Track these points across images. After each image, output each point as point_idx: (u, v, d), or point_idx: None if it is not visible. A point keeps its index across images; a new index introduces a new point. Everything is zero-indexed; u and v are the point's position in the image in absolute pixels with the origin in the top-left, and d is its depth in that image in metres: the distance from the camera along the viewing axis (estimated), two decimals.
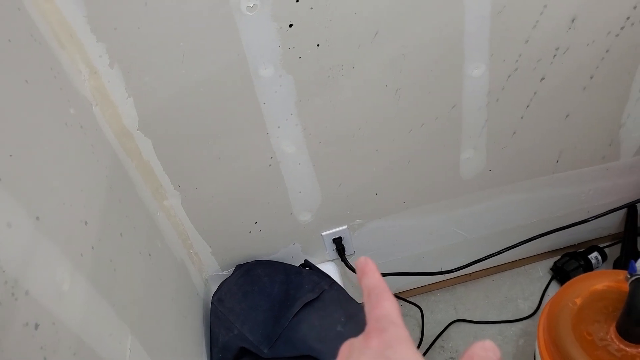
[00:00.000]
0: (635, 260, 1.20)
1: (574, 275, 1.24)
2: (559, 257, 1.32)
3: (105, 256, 0.66)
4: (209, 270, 1.11)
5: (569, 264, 1.26)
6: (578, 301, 0.90)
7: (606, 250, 1.31)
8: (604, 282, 0.92)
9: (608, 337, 0.85)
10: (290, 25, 0.77)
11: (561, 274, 1.27)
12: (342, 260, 1.13)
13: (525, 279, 1.32)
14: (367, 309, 0.34)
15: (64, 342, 0.51)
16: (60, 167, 0.61)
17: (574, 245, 1.36)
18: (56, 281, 0.53)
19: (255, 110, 0.86)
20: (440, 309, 1.30)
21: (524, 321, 1.23)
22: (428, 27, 0.82)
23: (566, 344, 0.86)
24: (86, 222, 0.63)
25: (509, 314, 1.25)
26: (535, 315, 1.24)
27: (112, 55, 0.74)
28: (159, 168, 0.91)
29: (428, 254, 1.24)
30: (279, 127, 0.89)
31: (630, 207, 1.28)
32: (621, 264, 1.20)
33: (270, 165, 0.94)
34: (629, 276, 0.82)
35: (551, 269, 1.32)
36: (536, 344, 0.97)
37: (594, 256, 1.27)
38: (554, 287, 1.29)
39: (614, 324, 0.85)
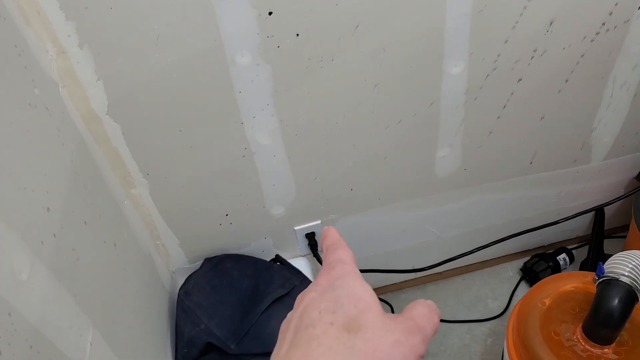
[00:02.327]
0: (603, 263, 1.23)
1: (543, 276, 1.26)
2: (528, 257, 1.34)
3: (67, 245, 0.63)
4: (176, 262, 1.08)
5: (538, 265, 1.28)
6: (547, 301, 0.90)
7: (574, 252, 1.34)
8: (572, 283, 0.93)
9: (574, 337, 0.86)
10: (270, 13, 0.75)
11: (530, 274, 1.29)
12: (314, 256, 1.12)
13: (495, 279, 1.33)
14: (323, 260, 0.34)
15: (19, 333, 0.48)
16: (22, 149, 0.57)
17: (543, 246, 1.38)
18: (13, 269, 0.50)
19: (231, 99, 0.84)
20: None
21: (492, 321, 1.25)
22: (409, 22, 0.81)
23: (534, 343, 0.86)
24: (48, 209, 0.60)
25: (478, 314, 1.27)
26: (504, 315, 1.25)
27: (82, 35, 0.71)
28: (127, 155, 0.88)
29: (400, 251, 1.23)
30: (254, 117, 0.87)
31: (598, 210, 1.31)
32: (588, 265, 1.22)
33: (244, 156, 0.92)
34: (596, 278, 0.83)
35: (521, 269, 1.34)
36: (505, 343, 0.97)
37: (562, 257, 1.29)
38: (523, 287, 1.31)
39: (580, 325, 0.86)
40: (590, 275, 0.94)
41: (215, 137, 0.88)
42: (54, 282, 0.58)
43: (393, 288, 1.34)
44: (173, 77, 0.79)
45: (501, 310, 1.26)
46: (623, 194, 1.26)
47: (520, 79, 0.93)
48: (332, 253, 0.34)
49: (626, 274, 0.79)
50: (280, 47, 0.79)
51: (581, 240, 1.39)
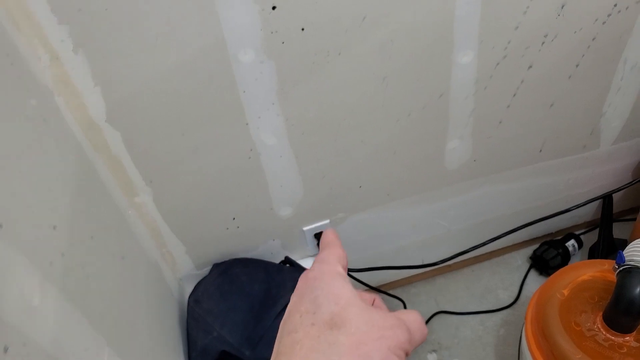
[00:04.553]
0: (614, 250, 1.22)
1: (553, 264, 1.25)
2: (536, 245, 1.33)
3: (76, 263, 0.60)
4: (183, 270, 1.05)
5: (547, 253, 1.26)
6: (565, 292, 0.89)
7: (582, 237, 1.33)
8: (589, 272, 0.92)
9: (595, 327, 0.84)
10: (274, 8, 0.72)
11: (540, 262, 1.28)
12: None
13: (504, 269, 1.32)
14: None
15: None
16: (22, 166, 0.54)
17: (551, 233, 1.37)
18: (25, 296, 0.47)
19: (234, 99, 0.80)
20: (421, 301, 1.28)
21: (504, 311, 1.23)
22: (418, 11, 0.78)
23: (555, 335, 0.85)
24: (55, 227, 0.56)
25: (489, 304, 1.25)
26: (516, 305, 1.24)
27: (75, 39, 0.67)
28: (129, 162, 0.84)
29: (410, 245, 1.21)
30: (259, 117, 0.84)
31: (607, 195, 1.29)
32: (599, 250, 1.21)
33: (249, 157, 0.89)
34: (616, 267, 0.81)
35: (530, 257, 1.32)
36: (523, 334, 0.96)
37: (571, 244, 1.28)
38: (533, 276, 1.29)
39: (600, 314, 0.85)
40: (606, 263, 0.93)
41: (220, 139, 0.85)
42: (66, 304, 0.55)
43: (402, 283, 1.32)
44: (174, 78, 0.75)
45: (512, 300, 1.25)
46: (631, 178, 1.25)
47: (531, 66, 0.91)
48: (317, 255, 0.34)
49: None
50: (285, 43, 0.76)
51: (589, 225, 1.38)
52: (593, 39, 0.90)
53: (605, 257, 1.21)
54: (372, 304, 0.34)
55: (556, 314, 0.86)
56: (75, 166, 0.69)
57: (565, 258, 1.26)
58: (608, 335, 0.82)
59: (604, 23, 0.88)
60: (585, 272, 0.91)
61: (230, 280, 1.00)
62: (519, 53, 0.88)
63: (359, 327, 0.27)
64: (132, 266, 0.81)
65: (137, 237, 0.88)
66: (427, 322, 1.24)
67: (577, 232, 1.34)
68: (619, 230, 1.29)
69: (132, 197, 0.89)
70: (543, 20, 0.84)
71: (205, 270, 1.05)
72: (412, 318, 0.30)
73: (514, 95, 0.95)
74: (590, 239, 1.32)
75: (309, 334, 0.28)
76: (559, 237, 1.32)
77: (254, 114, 0.83)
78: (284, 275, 1.01)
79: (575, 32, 0.88)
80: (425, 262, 1.25)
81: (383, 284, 1.30)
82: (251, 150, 0.88)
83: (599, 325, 0.84)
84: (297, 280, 0.85)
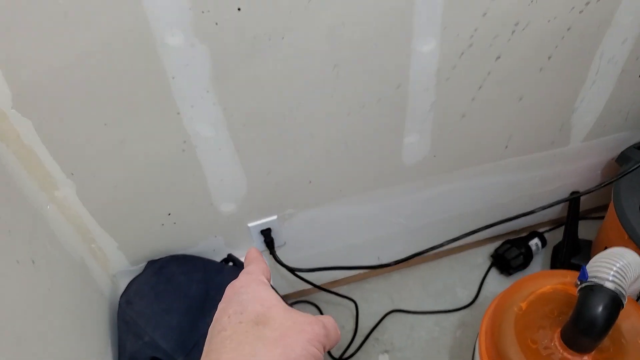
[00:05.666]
0: (578, 251, 1.18)
1: (515, 264, 1.20)
2: (498, 243, 1.27)
3: None
4: (116, 266, 0.96)
5: (509, 252, 1.21)
6: (524, 305, 0.83)
7: (546, 235, 1.27)
8: (551, 283, 0.86)
9: (552, 344, 0.79)
10: None
11: (501, 261, 1.22)
12: (270, 254, 1.01)
13: (464, 266, 1.26)
14: None
15: None
16: None
17: (515, 230, 1.31)
18: None
19: (163, 86, 0.70)
20: (375, 299, 1.22)
21: (461, 311, 1.18)
22: None
23: (509, 352, 0.79)
24: None
25: (446, 303, 1.20)
26: (474, 305, 1.19)
27: None
28: (45, 154, 0.74)
29: (364, 243, 1.14)
30: (192, 106, 0.74)
31: (573, 193, 1.24)
32: (562, 251, 1.16)
33: (184, 150, 0.79)
34: (579, 282, 0.75)
35: (491, 255, 1.27)
36: (477, 345, 0.90)
37: (534, 243, 1.23)
38: (493, 275, 1.24)
39: (559, 330, 0.79)
40: (568, 275, 0.88)
41: (148, 130, 0.75)
42: None
43: (357, 278, 1.25)
44: (90, 63, 0.65)
45: (471, 300, 1.20)
46: (600, 176, 1.20)
47: (499, 57, 0.82)
48: (243, 269, 0.37)
49: (610, 278, 0.71)
50: (218, 25, 0.66)
51: (554, 223, 1.33)
52: (568, 29, 0.82)
53: (569, 259, 1.16)
54: None
55: (512, 330, 0.80)
56: None
57: (527, 258, 1.21)
58: (565, 354, 0.77)
59: (580, 12, 0.80)
60: (546, 284, 0.85)
61: (165, 280, 0.92)
62: (487, 42, 0.80)
63: (282, 323, 0.31)
64: (46, 269, 0.72)
65: (56, 234, 0.79)
66: (381, 320, 1.18)
67: (541, 230, 1.29)
68: (585, 229, 1.24)
69: (51, 191, 0.79)
70: (514, 7, 0.76)
71: (142, 266, 0.96)
72: (328, 319, 0.33)
73: (480, 87, 0.87)
74: (555, 237, 1.27)
75: (238, 331, 0.30)
76: (523, 235, 1.27)
77: (187, 103, 0.73)
78: (224, 276, 0.93)
79: (549, 20, 0.80)
80: (381, 260, 1.19)
81: (336, 280, 1.23)
82: (185, 142, 0.78)
83: (557, 343, 0.78)
84: None
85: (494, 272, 1.24)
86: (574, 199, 1.19)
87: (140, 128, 0.75)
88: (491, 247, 1.28)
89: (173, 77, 0.70)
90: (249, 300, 0.32)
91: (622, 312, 0.71)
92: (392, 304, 1.20)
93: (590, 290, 0.72)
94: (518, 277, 1.22)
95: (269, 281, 0.36)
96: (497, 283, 1.22)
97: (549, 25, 0.80)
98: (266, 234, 0.99)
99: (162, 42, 0.66)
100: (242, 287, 0.34)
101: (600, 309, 0.71)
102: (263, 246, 1.01)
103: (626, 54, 0.90)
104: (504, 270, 1.22)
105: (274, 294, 0.33)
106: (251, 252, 0.39)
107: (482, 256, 1.28)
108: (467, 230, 1.09)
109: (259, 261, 0.38)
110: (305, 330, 0.30)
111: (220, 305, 0.33)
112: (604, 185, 1.02)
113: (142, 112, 0.72)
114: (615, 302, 0.71)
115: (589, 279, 0.73)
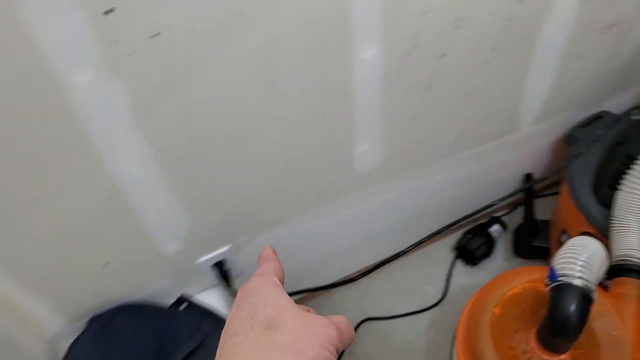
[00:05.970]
0: (537, 233, 1.17)
1: (479, 254, 1.18)
2: (459, 232, 1.25)
3: None
4: (53, 328, 0.85)
5: (472, 243, 1.18)
6: (497, 311, 0.80)
7: (505, 218, 1.26)
8: (519, 283, 0.83)
9: (529, 347, 0.76)
10: (109, 11, 0.53)
11: (465, 252, 1.20)
12: (228, 286, 0.93)
13: (429, 262, 1.23)
14: None
15: None
16: None
17: (474, 218, 1.29)
18: None
19: (75, 131, 0.61)
20: (345, 309, 1.17)
21: (432, 310, 1.15)
22: (306, 3, 0.61)
23: None
24: None
25: (417, 303, 1.16)
26: (443, 302, 1.16)
27: None
28: None
29: (328, 255, 1.08)
30: (115, 146, 0.65)
31: (528, 175, 1.24)
32: (524, 231, 1.16)
33: (108, 198, 0.70)
34: (549, 282, 0.73)
35: (454, 247, 1.24)
36: (453, 352, 0.87)
37: (495, 229, 1.21)
38: (460, 267, 1.22)
39: (534, 331, 0.77)
40: (535, 271, 0.85)
41: (64, 183, 0.65)
42: None
43: (324, 291, 1.20)
44: None
45: (440, 296, 1.17)
46: (552, 156, 1.19)
47: (444, 54, 0.78)
48: (256, 269, 0.37)
49: (577, 275, 0.69)
50: (132, 55, 0.57)
51: (511, 206, 1.32)
52: (509, 20, 0.78)
53: (530, 242, 1.15)
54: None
55: (489, 339, 0.77)
56: None
57: (490, 245, 1.19)
58: (543, 355, 0.75)
59: (519, 1, 0.76)
60: (514, 284, 0.83)
61: (112, 337, 0.82)
62: (430, 41, 0.75)
63: (294, 327, 0.30)
64: None
65: None
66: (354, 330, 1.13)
67: (498, 214, 1.28)
68: (542, 207, 1.24)
69: None
70: (454, 2, 0.71)
71: (84, 322, 0.86)
72: (341, 319, 0.33)
73: (427, 87, 0.82)
74: (514, 219, 1.27)
75: (249, 336, 0.30)
76: (483, 221, 1.25)
77: (107, 145, 0.64)
78: (177, 322, 0.84)
79: (489, 13, 0.75)
80: (347, 269, 1.14)
81: (303, 297, 1.17)
82: (109, 189, 0.69)
83: (534, 345, 0.76)
84: (195, 326, 0.78)
85: (459, 265, 1.22)
86: (527, 177, 1.19)
87: (53, 182, 0.65)
88: (453, 238, 1.26)
89: (88, 120, 0.60)
90: (260, 303, 0.32)
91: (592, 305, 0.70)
92: (363, 312, 1.16)
93: (560, 289, 0.70)
94: (484, 265, 1.20)
95: (282, 281, 0.37)
96: (464, 274, 1.20)
97: (490, 18, 0.76)
98: (219, 266, 0.91)
99: (67, 82, 0.56)
100: (252, 289, 0.34)
101: (572, 308, 0.68)
102: (217, 280, 0.93)
103: (566, 38, 0.88)
104: (469, 262, 1.20)
105: (285, 296, 0.33)
106: (265, 251, 0.41)
107: (445, 248, 1.25)
108: (430, 227, 1.07)
109: (272, 260, 0.38)
110: (318, 333, 0.30)
111: (232, 309, 0.34)
112: (559, 170, 1.01)
113: (53, 164, 0.63)
114: (585, 298, 0.69)
115: (558, 278, 0.71)
